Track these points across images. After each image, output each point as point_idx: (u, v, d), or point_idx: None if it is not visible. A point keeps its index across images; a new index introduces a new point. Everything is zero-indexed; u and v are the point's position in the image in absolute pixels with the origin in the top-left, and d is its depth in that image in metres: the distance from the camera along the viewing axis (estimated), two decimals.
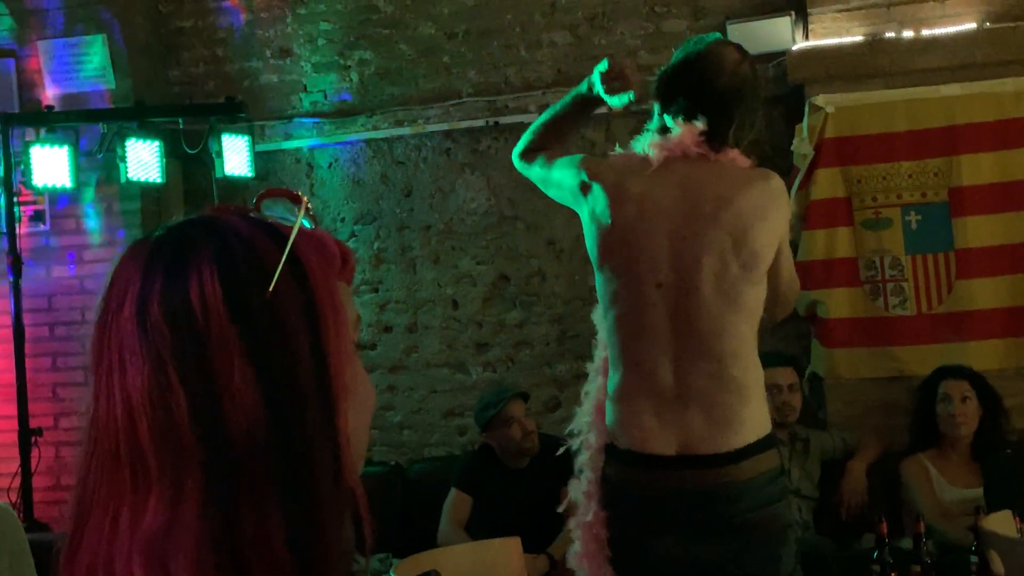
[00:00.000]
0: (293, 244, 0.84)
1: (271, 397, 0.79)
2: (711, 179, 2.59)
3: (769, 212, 2.59)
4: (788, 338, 5.10)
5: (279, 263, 0.82)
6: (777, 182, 2.65)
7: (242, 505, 0.78)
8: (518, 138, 5.41)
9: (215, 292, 0.80)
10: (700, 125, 2.57)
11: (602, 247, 2.64)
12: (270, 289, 0.81)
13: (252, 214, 0.88)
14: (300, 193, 0.89)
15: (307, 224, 0.88)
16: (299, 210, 0.88)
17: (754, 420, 2.60)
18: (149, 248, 0.84)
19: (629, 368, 2.62)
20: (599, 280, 2.68)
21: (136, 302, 0.81)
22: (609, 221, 2.60)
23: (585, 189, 2.70)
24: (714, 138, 2.59)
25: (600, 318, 2.71)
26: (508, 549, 2.90)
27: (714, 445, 2.55)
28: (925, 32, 4.73)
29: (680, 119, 2.60)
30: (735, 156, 2.64)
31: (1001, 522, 2.39)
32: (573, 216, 5.27)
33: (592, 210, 2.67)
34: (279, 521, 0.78)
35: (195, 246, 0.83)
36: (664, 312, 2.56)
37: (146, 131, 5.18)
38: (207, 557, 0.77)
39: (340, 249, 0.90)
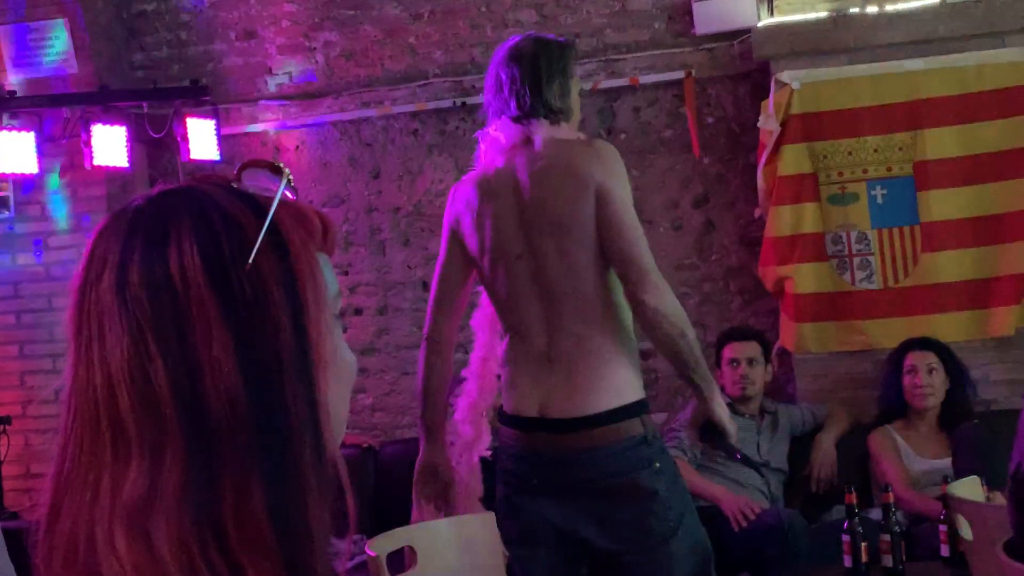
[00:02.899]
0: (274, 215, 0.84)
1: (251, 369, 0.80)
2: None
3: (567, 179, 2.68)
4: (758, 313, 5.14)
5: (259, 234, 0.82)
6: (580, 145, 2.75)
7: (223, 476, 0.78)
8: (485, 118, 5.43)
9: (195, 262, 0.80)
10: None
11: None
12: (250, 260, 0.81)
13: (233, 185, 0.88)
14: (282, 165, 0.89)
15: (289, 195, 0.88)
16: (281, 180, 0.87)
17: (617, 386, 2.65)
18: (129, 217, 0.84)
19: (511, 335, 2.82)
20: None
21: (115, 272, 0.81)
22: None
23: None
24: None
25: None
26: (484, 525, 2.91)
27: (570, 409, 2.64)
28: (888, 7, 4.76)
29: None
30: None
31: (968, 488, 2.43)
32: None
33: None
34: (260, 493, 0.79)
35: (175, 216, 0.82)
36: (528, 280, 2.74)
37: (110, 116, 5.14)
38: (188, 528, 0.77)
39: (321, 220, 0.90)
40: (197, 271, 0.80)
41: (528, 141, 2.75)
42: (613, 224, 2.65)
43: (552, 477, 2.70)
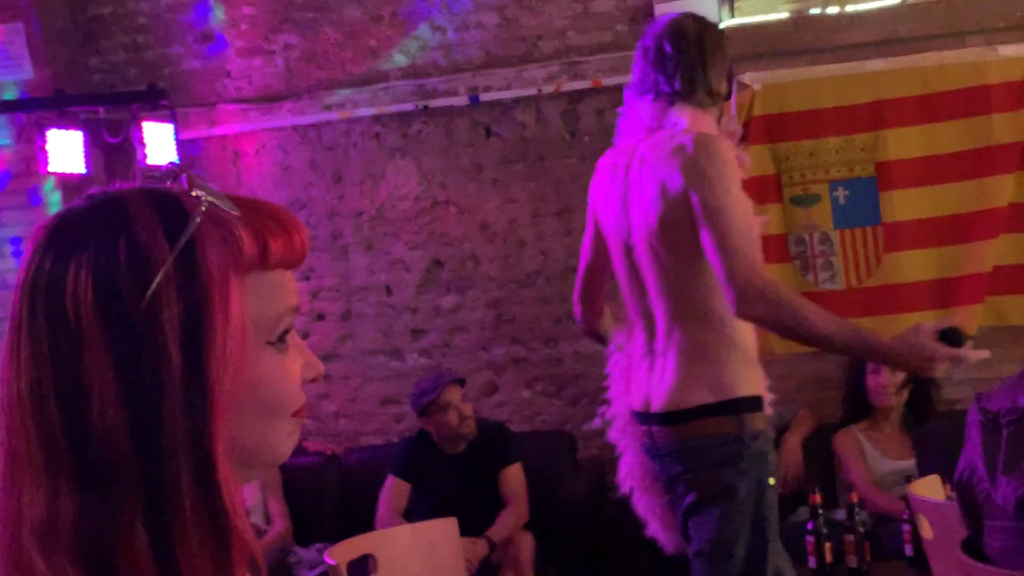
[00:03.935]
0: (196, 237, 0.81)
1: (133, 405, 0.78)
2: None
3: (666, 171, 2.57)
4: None
5: (165, 265, 0.79)
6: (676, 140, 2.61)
7: (114, 513, 0.77)
8: (448, 121, 5.40)
9: (87, 296, 0.79)
10: None
11: None
12: (147, 296, 0.79)
13: (175, 192, 0.85)
14: (201, 195, 0.84)
15: (230, 213, 0.85)
16: (200, 210, 0.83)
17: (712, 383, 2.58)
18: (48, 231, 0.83)
19: (629, 326, 2.83)
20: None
21: (27, 290, 0.81)
22: None
23: None
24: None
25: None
26: (445, 531, 2.88)
27: (666, 404, 2.60)
28: (849, 8, 4.77)
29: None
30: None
31: (929, 487, 2.42)
32: (506, 199, 5.30)
33: None
34: (144, 535, 0.78)
35: (82, 241, 0.81)
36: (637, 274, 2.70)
37: (66, 121, 5.06)
38: (82, 557, 0.77)
39: (282, 228, 0.87)
40: (88, 304, 0.79)
41: (657, 125, 2.65)
42: (699, 224, 2.52)
43: (655, 469, 2.71)
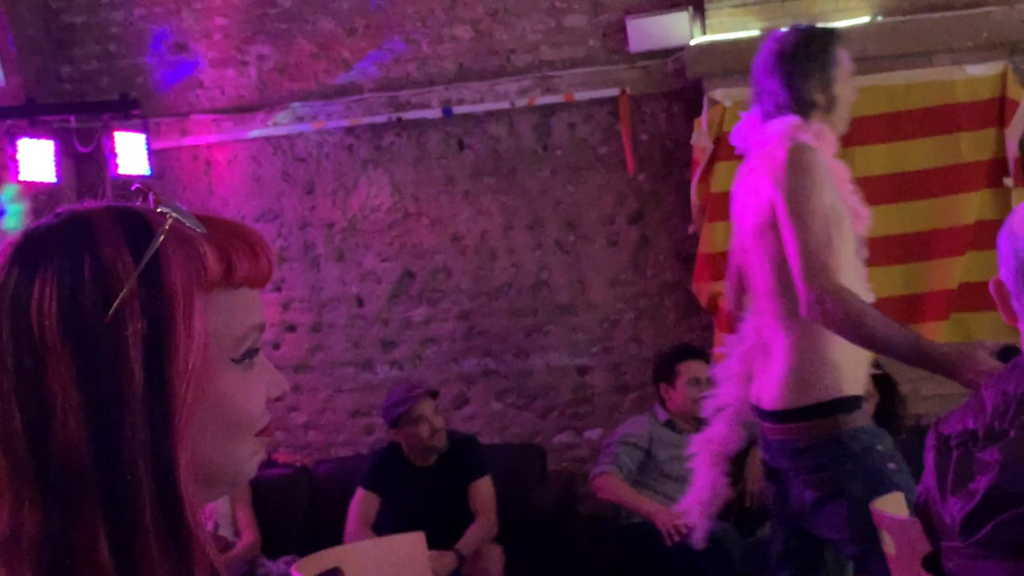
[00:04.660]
0: (162, 254, 0.82)
1: (95, 421, 0.79)
2: None
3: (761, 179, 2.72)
4: (693, 328, 5.16)
5: (128, 282, 0.80)
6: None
7: (76, 529, 0.78)
8: (420, 133, 5.41)
9: (51, 311, 0.79)
10: None
11: None
12: (110, 313, 0.79)
13: (139, 210, 0.86)
14: (167, 211, 0.86)
15: (195, 230, 0.86)
16: (164, 228, 0.84)
17: (807, 384, 2.68)
18: (14, 247, 0.84)
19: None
20: None
21: None
22: None
23: None
24: None
25: None
26: (413, 545, 2.88)
27: (767, 401, 2.74)
28: (819, 26, 4.80)
29: None
30: None
31: (892, 504, 2.45)
32: (477, 211, 5.32)
33: None
34: (106, 546, 0.78)
35: (48, 256, 0.81)
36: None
37: (38, 130, 5.04)
38: (46, 569, 0.77)
39: (249, 247, 0.89)
40: (52, 318, 0.79)
41: (764, 135, 2.75)
42: (781, 229, 2.64)
43: (770, 458, 2.83)
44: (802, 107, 2.72)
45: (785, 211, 2.60)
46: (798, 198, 2.60)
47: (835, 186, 2.66)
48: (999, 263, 1.57)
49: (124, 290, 0.80)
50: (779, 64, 2.74)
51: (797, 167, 2.62)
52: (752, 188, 2.75)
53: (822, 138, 2.72)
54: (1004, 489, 1.34)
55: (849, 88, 2.82)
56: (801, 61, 2.74)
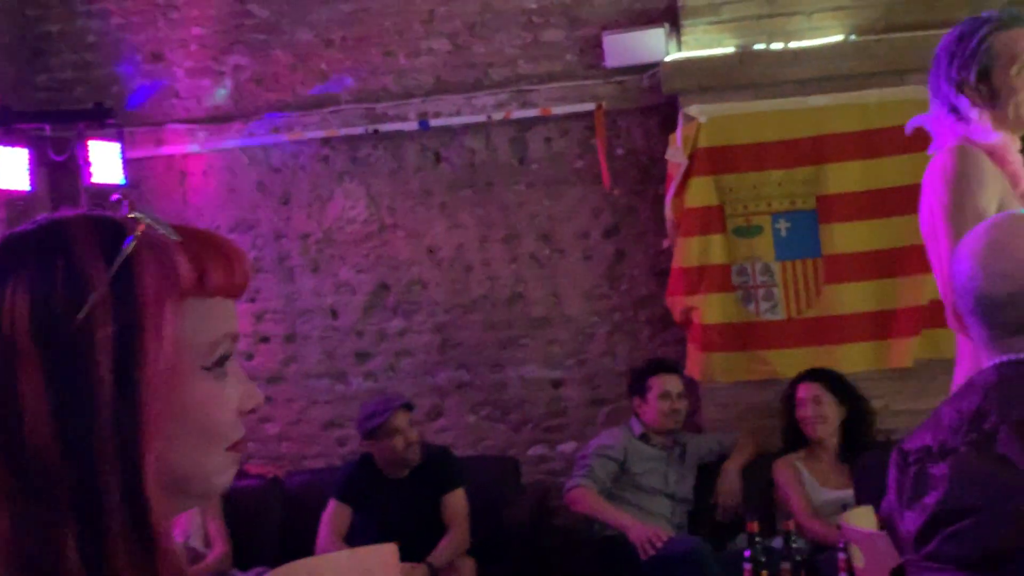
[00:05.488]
0: (135, 261, 0.83)
1: (64, 424, 0.80)
2: None
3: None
4: (667, 342, 5.18)
5: (101, 287, 0.81)
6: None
7: (45, 528, 0.79)
8: (397, 146, 5.41)
9: (23, 313, 0.80)
10: None
11: None
12: (80, 316, 0.80)
13: (119, 217, 0.86)
14: (140, 216, 0.87)
15: (168, 237, 0.87)
16: (136, 233, 0.85)
17: None
18: None
19: None
20: None
21: None
22: None
23: None
24: None
25: None
26: (385, 556, 2.87)
27: None
28: (794, 44, 4.86)
29: None
30: None
31: (862, 517, 2.47)
32: (453, 224, 5.33)
33: None
34: (75, 549, 0.79)
35: (21, 261, 0.82)
36: None
37: (12, 138, 5.01)
38: (17, 572, 0.78)
39: (223, 257, 0.89)
40: (24, 322, 0.80)
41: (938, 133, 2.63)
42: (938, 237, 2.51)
43: None
44: (961, 102, 2.55)
45: (938, 219, 2.48)
46: (946, 206, 2.45)
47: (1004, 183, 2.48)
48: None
49: (95, 295, 0.81)
50: (941, 60, 2.58)
51: (949, 173, 2.47)
52: (922, 191, 2.61)
53: (971, 142, 2.55)
54: (951, 504, 1.36)
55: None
56: (956, 55, 2.55)
